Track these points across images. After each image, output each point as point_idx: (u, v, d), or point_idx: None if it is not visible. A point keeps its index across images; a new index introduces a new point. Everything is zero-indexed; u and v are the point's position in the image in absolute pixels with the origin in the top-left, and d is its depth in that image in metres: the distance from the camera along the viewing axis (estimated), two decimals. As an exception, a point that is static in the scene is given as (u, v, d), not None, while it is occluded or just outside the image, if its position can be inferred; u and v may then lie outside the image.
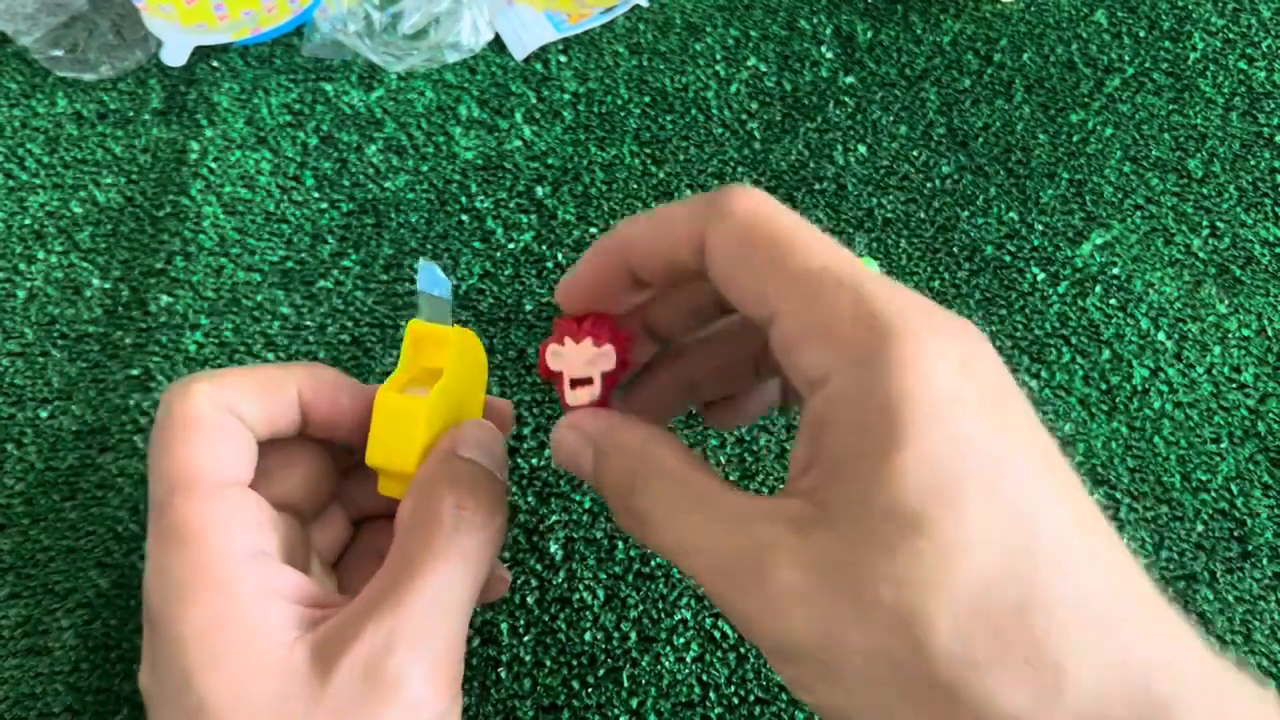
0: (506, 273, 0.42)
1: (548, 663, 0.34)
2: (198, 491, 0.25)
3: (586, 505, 0.37)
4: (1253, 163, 0.46)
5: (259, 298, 0.41)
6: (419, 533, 0.25)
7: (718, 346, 0.29)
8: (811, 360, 0.21)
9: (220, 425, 0.26)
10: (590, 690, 0.34)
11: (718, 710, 0.33)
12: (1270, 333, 0.41)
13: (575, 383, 0.26)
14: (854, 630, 0.20)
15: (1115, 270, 0.43)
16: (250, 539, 0.25)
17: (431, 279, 0.28)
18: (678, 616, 0.35)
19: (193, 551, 0.24)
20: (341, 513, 0.31)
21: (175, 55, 0.46)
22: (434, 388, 0.27)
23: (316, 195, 0.44)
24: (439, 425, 0.28)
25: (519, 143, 0.46)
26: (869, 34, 0.49)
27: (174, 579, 0.24)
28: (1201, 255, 0.43)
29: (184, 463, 0.25)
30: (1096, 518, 0.21)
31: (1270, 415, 0.39)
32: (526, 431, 0.39)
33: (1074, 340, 0.41)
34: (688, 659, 0.34)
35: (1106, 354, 0.41)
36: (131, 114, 0.46)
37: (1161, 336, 0.41)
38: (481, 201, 0.44)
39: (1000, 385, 0.21)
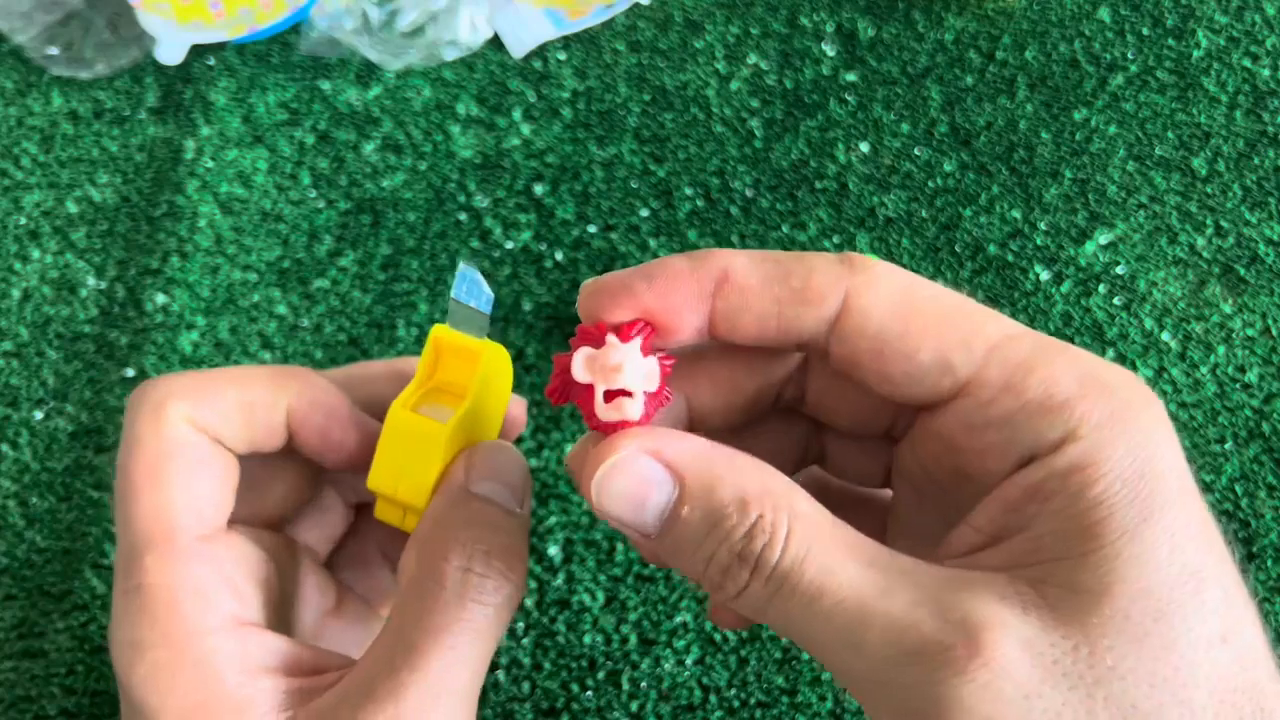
0: (505, 272, 0.42)
1: (547, 666, 0.34)
2: (172, 550, 0.22)
3: (585, 507, 0.37)
4: (1257, 161, 0.45)
5: (255, 297, 0.41)
6: (421, 603, 0.21)
7: (761, 442, 0.24)
8: (1029, 433, 0.18)
9: (198, 456, 0.23)
10: (590, 693, 0.34)
11: (718, 714, 0.33)
12: (1275, 332, 0.41)
13: (610, 394, 0.20)
14: None
15: (1119, 269, 0.42)
16: (231, 606, 0.22)
17: (471, 287, 0.24)
18: (678, 619, 0.35)
19: (168, 624, 0.21)
20: (338, 500, 0.28)
21: (171, 53, 0.46)
22: (457, 412, 0.24)
23: (313, 194, 0.44)
24: (456, 451, 0.24)
25: (517, 141, 0.45)
26: (871, 31, 0.49)
27: (149, 655, 0.21)
28: (1206, 254, 0.43)
29: (157, 511, 0.22)
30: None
31: (1275, 416, 0.39)
32: (526, 434, 0.39)
33: (1078, 340, 0.41)
34: (688, 662, 0.34)
35: (1110, 354, 0.40)
36: (127, 112, 0.46)
37: (1166, 336, 0.41)
38: (479, 200, 0.44)
39: (1184, 472, 0.19)
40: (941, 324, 0.19)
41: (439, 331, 0.25)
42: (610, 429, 0.20)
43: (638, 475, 0.19)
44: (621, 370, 0.20)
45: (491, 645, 0.22)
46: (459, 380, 0.25)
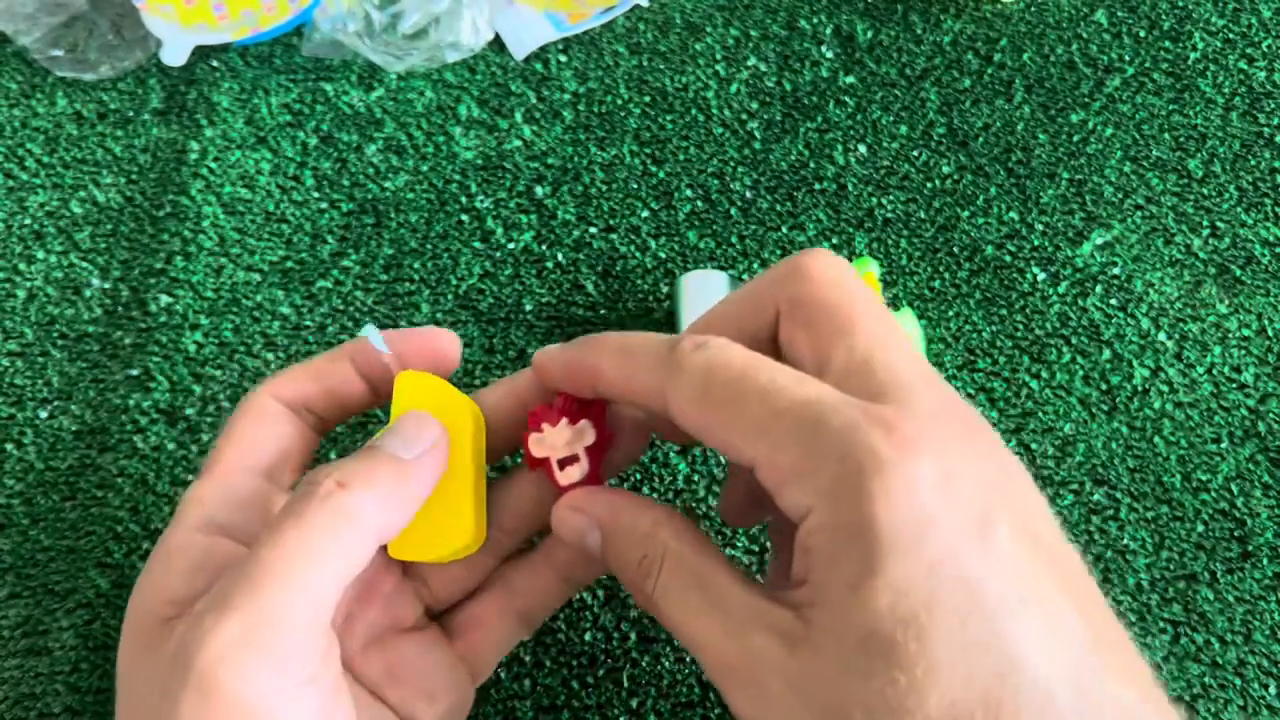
0: (506, 272, 0.42)
1: (547, 663, 0.34)
2: (227, 477, 0.27)
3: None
4: (1253, 163, 0.45)
5: (259, 298, 0.41)
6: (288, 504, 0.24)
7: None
8: (789, 501, 0.22)
9: (274, 412, 0.28)
10: (590, 690, 0.34)
11: (718, 710, 0.33)
12: (1270, 333, 0.41)
13: (563, 463, 0.27)
14: None
15: (1116, 270, 0.43)
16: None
17: (376, 341, 0.28)
18: (678, 617, 0.35)
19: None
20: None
21: (175, 55, 0.46)
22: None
23: (316, 195, 0.44)
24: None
25: (519, 142, 0.46)
26: (869, 34, 0.49)
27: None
28: (1202, 255, 0.43)
29: (225, 448, 0.28)
30: (1100, 642, 0.21)
31: (1271, 415, 0.39)
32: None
33: (1074, 340, 0.41)
34: (687, 659, 0.34)
35: (1107, 354, 0.41)
36: (131, 114, 0.46)
37: (1162, 336, 0.41)
38: (481, 201, 0.44)
39: (986, 502, 0.21)
40: (730, 412, 0.23)
41: (400, 377, 0.28)
42: (570, 489, 0.27)
43: (574, 526, 0.26)
44: (557, 446, 0.27)
45: (339, 553, 0.23)
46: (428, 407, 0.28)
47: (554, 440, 0.27)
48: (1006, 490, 0.22)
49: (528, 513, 0.29)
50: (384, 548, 0.30)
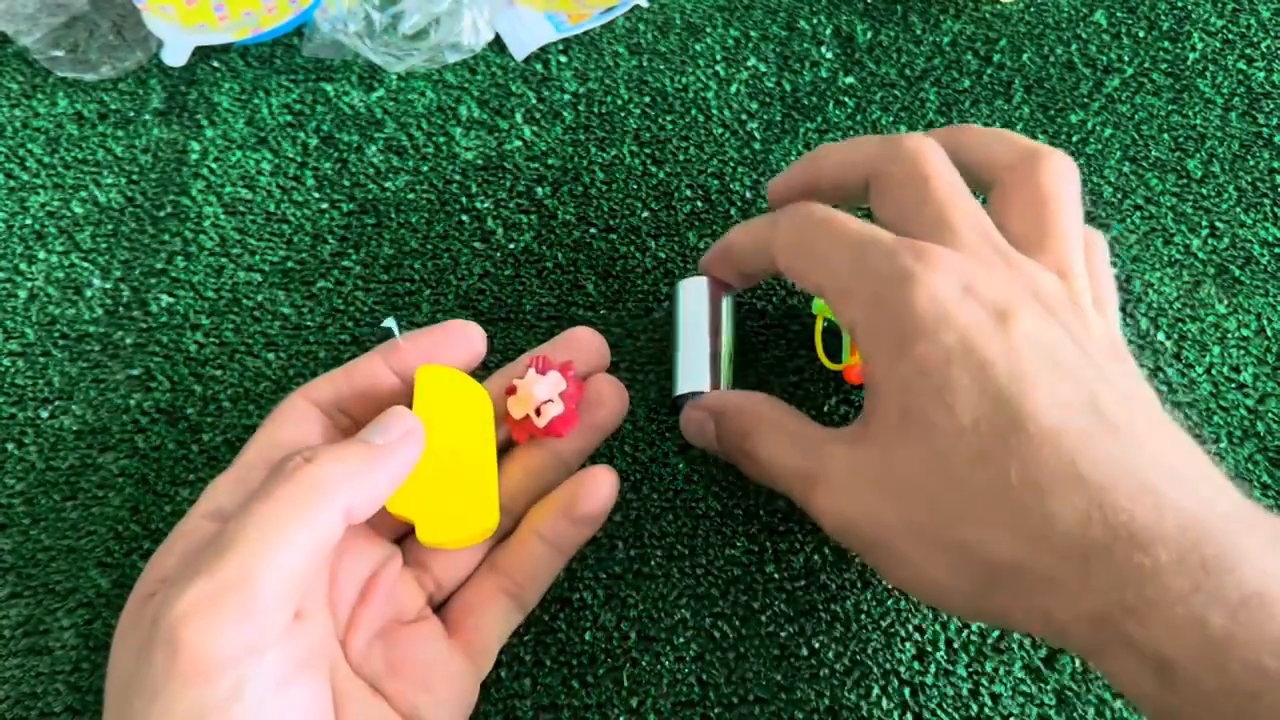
0: (506, 273, 0.42)
1: (547, 662, 0.34)
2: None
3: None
4: (1252, 163, 0.46)
5: (259, 298, 0.42)
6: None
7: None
8: (845, 316, 0.28)
9: (302, 410, 0.30)
10: (590, 689, 0.34)
11: (717, 710, 0.34)
12: (1269, 333, 0.41)
13: (539, 412, 0.30)
14: (887, 509, 0.26)
15: (1114, 270, 0.43)
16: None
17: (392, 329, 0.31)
18: (677, 616, 0.35)
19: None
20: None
21: (176, 55, 0.46)
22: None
23: (317, 195, 0.44)
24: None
25: (519, 143, 0.46)
26: (869, 34, 0.49)
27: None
28: (1201, 255, 0.43)
29: (261, 440, 0.29)
30: (1122, 402, 0.25)
31: (1269, 415, 0.39)
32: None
33: (1073, 340, 0.41)
34: (687, 658, 0.34)
35: (1106, 354, 0.41)
36: (132, 114, 0.46)
37: (1161, 336, 0.41)
38: (481, 202, 0.44)
39: (1007, 302, 0.26)
40: (807, 250, 0.30)
41: (420, 371, 0.30)
42: (549, 430, 0.31)
43: (695, 418, 0.34)
44: (532, 396, 0.30)
45: (303, 522, 0.24)
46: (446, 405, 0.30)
47: (526, 393, 0.30)
48: (1036, 294, 0.27)
49: (515, 493, 0.31)
50: (393, 542, 0.30)
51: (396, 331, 0.30)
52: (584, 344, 0.33)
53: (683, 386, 0.36)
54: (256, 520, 0.24)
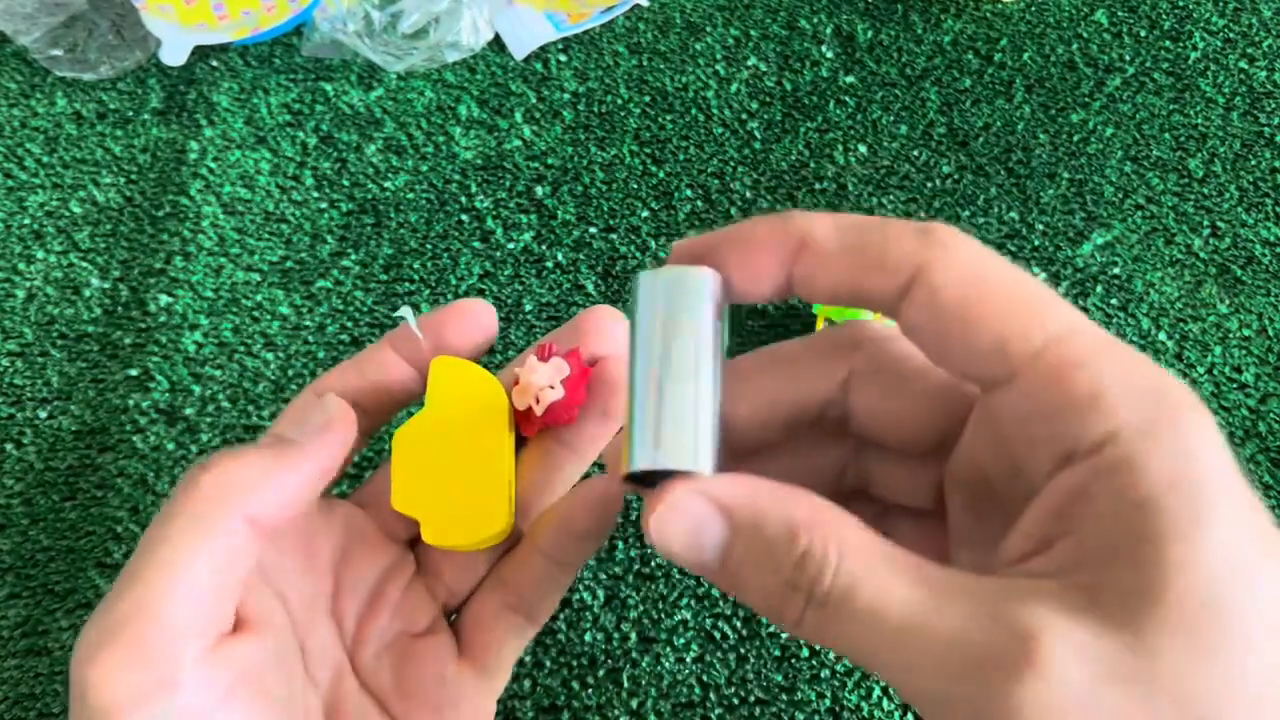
0: (506, 272, 0.42)
1: (548, 663, 0.34)
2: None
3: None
4: (1253, 162, 0.45)
5: (258, 297, 0.41)
6: None
7: (800, 461, 0.24)
8: (1071, 427, 0.18)
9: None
10: (590, 691, 0.34)
11: (718, 711, 0.33)
12: (1271, 333, 0.41)
13: (540, 400, 0.28)
14: None
15: (1116, 270, 0.43)
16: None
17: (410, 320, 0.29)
18: (678, 617, 0.35)
19: None
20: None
21: (175, 55, 0.46)
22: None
23: (316, 195, 0.44)
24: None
25: (519, 142, 0.46)
26: (869, 33, 0.49)
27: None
28: (1202, 255, 0.43)
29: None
30: None
31: (1271, 415, 0.39)
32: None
33: (1074, 340, 0.41)
34: (688, 659, 0.34)
35: (1107, 354, 0.41)
36: (131, 114, 0.46)
37: (1162, 336, 0.41)
38: (481, 201, 0.44)
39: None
40: (1006, 310, 0.19)
41: (435, 363, 0.29)
42: (550, 418, 0.28)
43: (691, 516, 0.19)
44: (535, 385, 0.28)
45: (200, 537, 0.22)
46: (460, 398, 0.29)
47: (526, 382, 0.28)
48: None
49: (529, 488, 0.29)
50: (404, 543, 0.30)
51: (412, 320, 0.29)
52: (598, 325, 0.29)
53: (660, 459, 0.20)
54: (151, 543, 0.22)
